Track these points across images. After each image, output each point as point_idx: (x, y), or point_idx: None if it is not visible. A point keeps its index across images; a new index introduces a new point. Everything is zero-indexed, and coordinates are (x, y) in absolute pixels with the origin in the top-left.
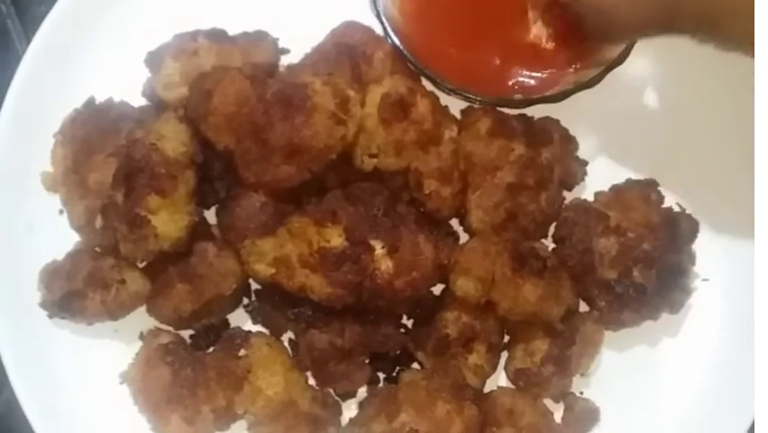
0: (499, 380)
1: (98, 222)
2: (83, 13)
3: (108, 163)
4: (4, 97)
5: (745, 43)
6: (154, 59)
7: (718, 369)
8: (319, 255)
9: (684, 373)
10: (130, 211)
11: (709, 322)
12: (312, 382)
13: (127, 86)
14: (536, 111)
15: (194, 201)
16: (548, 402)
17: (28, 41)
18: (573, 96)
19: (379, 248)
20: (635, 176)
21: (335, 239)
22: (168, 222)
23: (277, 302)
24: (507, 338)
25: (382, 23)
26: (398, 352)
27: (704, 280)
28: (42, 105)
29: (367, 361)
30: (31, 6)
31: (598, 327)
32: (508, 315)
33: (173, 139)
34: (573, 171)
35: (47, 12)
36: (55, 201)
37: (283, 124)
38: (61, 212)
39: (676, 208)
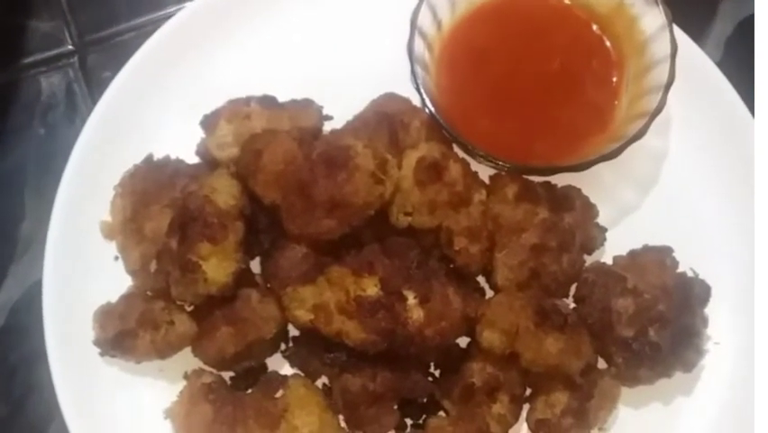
0: (521, 431)
1: (153, 266)
2: (144, 79)
3: (164, 214)
4: (70, 153)
5: None
6: (209, 122)
7: (729, 427)
8: (355, 303)
9: (696, 431)
10: (183, 256)
11: (720, 382)
12: (343, 425)
13: (182, 145)
14: (560, 179)
15: (242, 250)
16: None
17: (93, 103)
18: (594, 167)
19: (411, 298)
20: (651, 242)
21: (371, 288)
22: (217, 268)
23: (313, 347)
24: (529, 391)
25: (420, 94)
26: (426, 399)
27: (716, 343)
28: (104, 161)
29: (396, 407)
30: (96, 71)
31: (615, 382)
32: (531, 367)
33: (225, 192)
34: (593, 236)
35: (111, 77)
36: (111, 248)
37: (326, 181)
38: (116, 258)
39: (690, 274)
